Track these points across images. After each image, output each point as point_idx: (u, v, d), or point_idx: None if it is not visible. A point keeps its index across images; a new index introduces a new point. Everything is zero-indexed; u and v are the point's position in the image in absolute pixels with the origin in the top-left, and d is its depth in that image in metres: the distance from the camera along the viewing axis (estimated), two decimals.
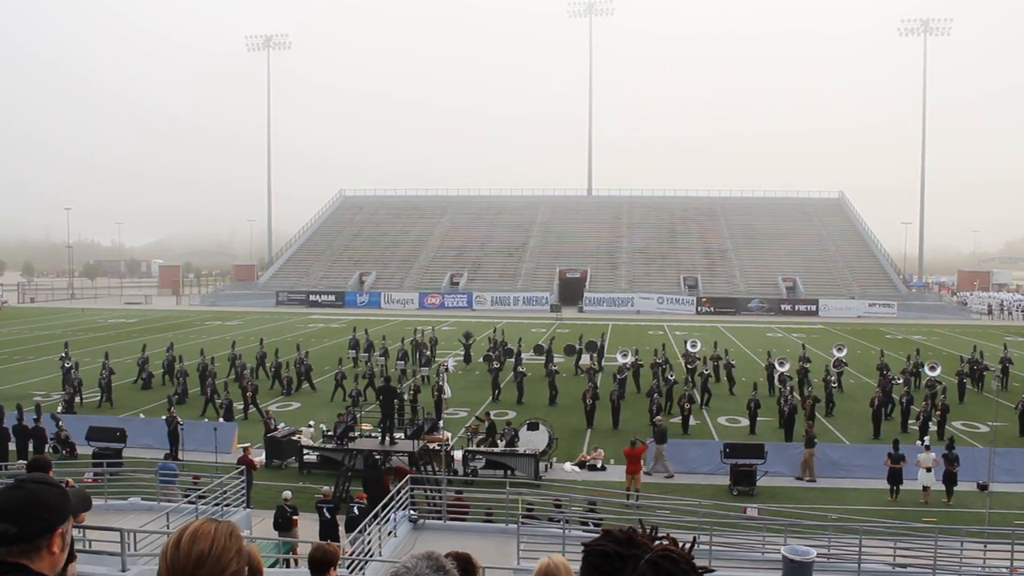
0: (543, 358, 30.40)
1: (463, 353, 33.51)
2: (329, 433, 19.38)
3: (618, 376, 25.10)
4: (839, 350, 28.83)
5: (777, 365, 26.46)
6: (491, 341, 31.45)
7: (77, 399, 24.73)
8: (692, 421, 22.66)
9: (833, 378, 24.82)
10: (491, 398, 26.63)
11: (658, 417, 20.47)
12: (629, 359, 27.70)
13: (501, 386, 27.60)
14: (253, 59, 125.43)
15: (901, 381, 26.24)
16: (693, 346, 29.91)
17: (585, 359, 28.00)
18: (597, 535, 1.65)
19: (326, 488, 14.68)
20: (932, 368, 24.82)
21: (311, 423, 20.85)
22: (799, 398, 23.14)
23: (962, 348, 35.64)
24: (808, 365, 26.95)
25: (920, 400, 22.57)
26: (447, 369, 26.01)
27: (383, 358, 26.77)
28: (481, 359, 32.09)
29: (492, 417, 20.46)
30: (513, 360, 29.29)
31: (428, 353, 31.46)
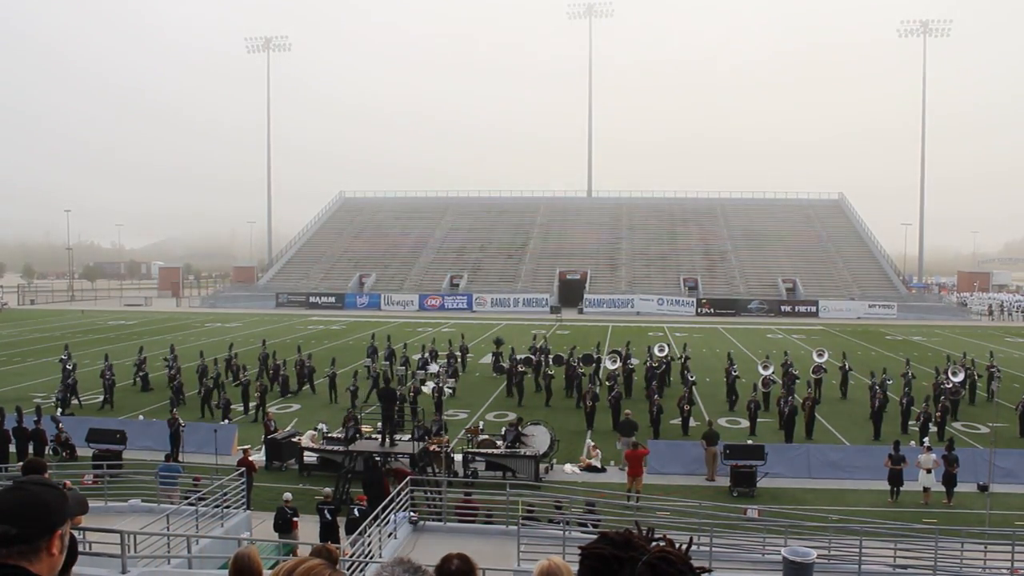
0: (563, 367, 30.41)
1: (493, 362, 32.56)
2: (331, 435, 19.40)
3: (609, 383, 25.02)
4: (819, 355, 28.57)
5: (761, 369, 26.43)
6: (534, 348, 31.23)
7: (75, 401, 24.76)
8: (692, 423, 22.65)
9: (878, 381, 24.53)
10: (517, 403, 26.27)
11: (627, 411, 20.54)
12: (619, 364, 27.58)
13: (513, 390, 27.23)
14: (254, 61, 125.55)
15: (892, 381, 26.15)
16: (661, 350, 29.84)
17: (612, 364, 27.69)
18: (594, 537, 1.66)
19: (327, 490, 14.67)
20: (955, 374, 24.71)
21: (319, 425, 20.75)
22: (799, 399, 23.14)
23: (961, 349, 35.61)
24: (795, 371, 26.70)
25: (933, 405, 22.43)
26: (440, 372, 26.04)
27: (404, 367, 26.35)
28: (492, 372, 31.85)
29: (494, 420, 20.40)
30: (534, 365, 29.10)
31: (457, 362, 31.23)
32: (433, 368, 26.10)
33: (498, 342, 33.40)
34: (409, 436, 16.88)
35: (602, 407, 23.36)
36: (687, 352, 31.34)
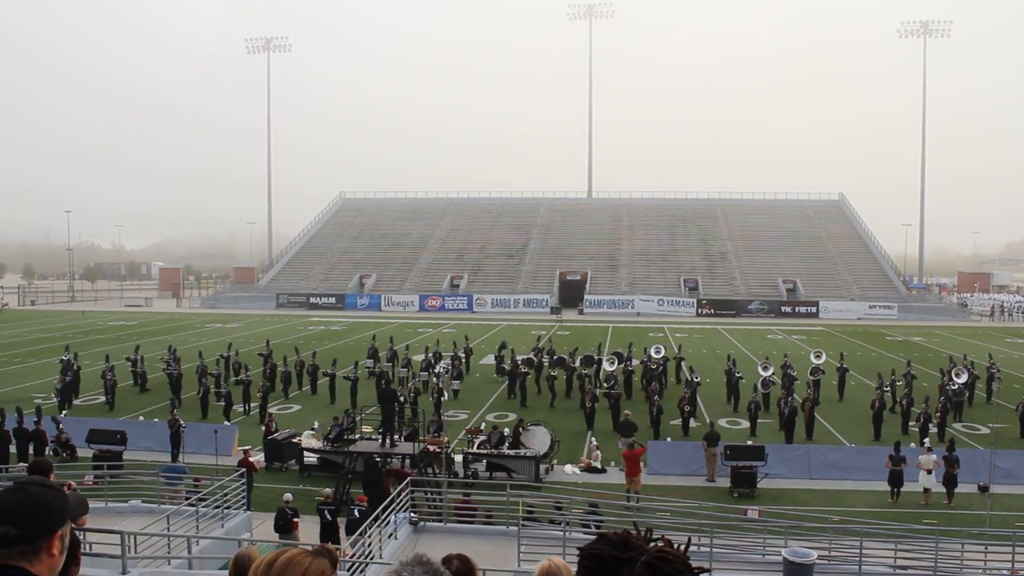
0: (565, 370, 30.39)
1: (495, 364, 32.18)
2: (328, 436, 19.41)
3: (607, 384, 24.96)
4: (817, 356, 28.51)
5: (761, 370, 26.42)
6: (536, 349, 31.11)
7: (76, 400, 24.77)
8: (692, 423, 22.65)
9: (887, 382, 24.31)
10: (519, 404, 26.16)
11: (626, 412, 20.60)
12: (617, 366, 27.53)
13: (516, 391, 27.09)
14: (255, 62, 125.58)
15: (901, 383, 26.10)
16: (657, 352, 29.80)
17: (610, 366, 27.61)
18: (593, 538, 1.66)
19: (327, 490, 14.68)
20: (958, 375, 24.67)
21: (316, 425, 20.77)
22: (799, 400, 23.13)
23: (961, 350, 35.62)
24: (793, 372, 26.71)
25: (934, 406, 22.37)
26: (441, 372, 25.97)
27: (405, 369, 26.46)
28: (495, 374, 31.74)
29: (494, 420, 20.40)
30: (536, 366, 29.06)
31: (461, 362, 31.07)
32: (440, 367, 26.10)
33: (503, 345, 33.35)
34: (400, 435, 16.89)
35: (602, 408, 23.38)
36: (680, 353, 31.44)
